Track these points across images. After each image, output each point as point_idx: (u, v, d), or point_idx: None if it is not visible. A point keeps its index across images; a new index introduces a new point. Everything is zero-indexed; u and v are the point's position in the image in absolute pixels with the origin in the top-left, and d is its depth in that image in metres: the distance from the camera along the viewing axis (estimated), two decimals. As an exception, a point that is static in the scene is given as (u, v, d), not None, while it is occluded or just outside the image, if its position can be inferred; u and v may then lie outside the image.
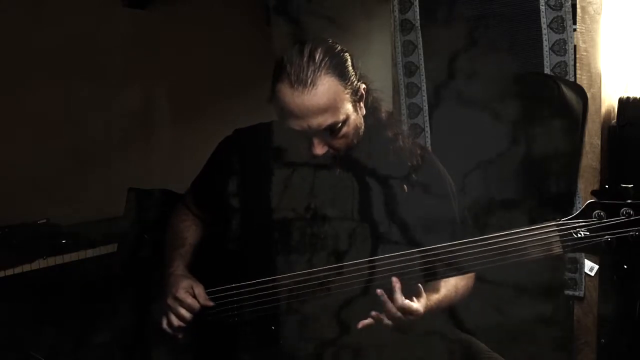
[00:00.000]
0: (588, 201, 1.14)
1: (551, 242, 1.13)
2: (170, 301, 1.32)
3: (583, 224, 1.12)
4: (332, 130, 1.25)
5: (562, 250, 1.13)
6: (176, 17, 2.67)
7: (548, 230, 1.14)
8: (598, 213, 1.11)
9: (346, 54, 1.29)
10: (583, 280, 1.96)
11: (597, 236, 1.11)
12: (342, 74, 1.25)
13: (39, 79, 2.22)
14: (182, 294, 1.32)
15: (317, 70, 1.21)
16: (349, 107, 1.26)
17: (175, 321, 1.32)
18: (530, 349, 1.89)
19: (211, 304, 1.32)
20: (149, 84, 2.54)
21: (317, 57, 1.22)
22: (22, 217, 2.09)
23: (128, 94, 2.44)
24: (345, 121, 1.26)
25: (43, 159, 2.21)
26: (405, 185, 1.35)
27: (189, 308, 1.31)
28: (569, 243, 1.13)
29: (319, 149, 1.26)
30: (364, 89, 1.32)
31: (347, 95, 1.26)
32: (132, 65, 2.48)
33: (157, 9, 2.61)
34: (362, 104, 1.32)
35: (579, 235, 1.12)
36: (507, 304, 1.77)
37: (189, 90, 2.64)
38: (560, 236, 1.13)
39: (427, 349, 1.33)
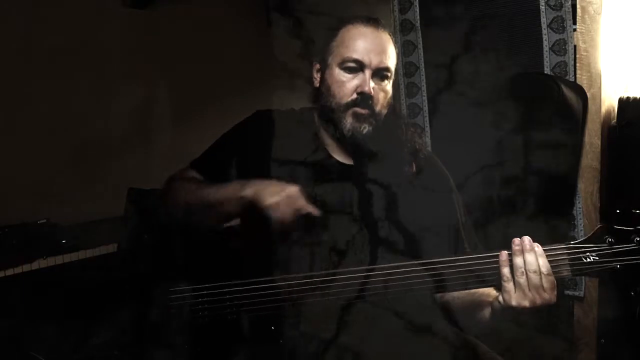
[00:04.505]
0: (599, 225, 1.13)
1: (560, 264, 1.12)
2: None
3: (593, 248, 1.11)
4: (383, 74, 1.37)
5: (570, 273, 1.13)
6: (176, 17, 2.66)
7: (558, 252, 1.13)
8: (608, 238, 1.10)
9: None
10: (583, 280, 1.96)
11: (606, 262, 1.10)
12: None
13: (39, 78, 2.22)
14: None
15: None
16: (394, 73, 1.41)
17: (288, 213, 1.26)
18: (530, 349, 1.89)
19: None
20: (149, 84, 2.54)
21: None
22: (22, 217, 2.09)
23: (128, 94, 2.44)
24: (391, 75, 1.39)
25: (43, 158, 2.21)
26: (412, 166, 1.41)
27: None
28: (578, 267, 1.12)
29: (367, 87, 1.35)
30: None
31: (396, 60, 1.41)
32: (132, 65, 2.48)
33: (157, 9, 2.61)
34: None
35: (589, 260, 1.11)
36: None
37: (189, 90, 2.64)
38: (570, 259, 1.12)
39: (432, 351, 1.33)
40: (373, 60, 1.36)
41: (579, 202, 1.94)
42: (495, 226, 1.83)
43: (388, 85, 1.40)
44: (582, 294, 1.97)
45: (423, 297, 1.36)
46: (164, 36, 2.60)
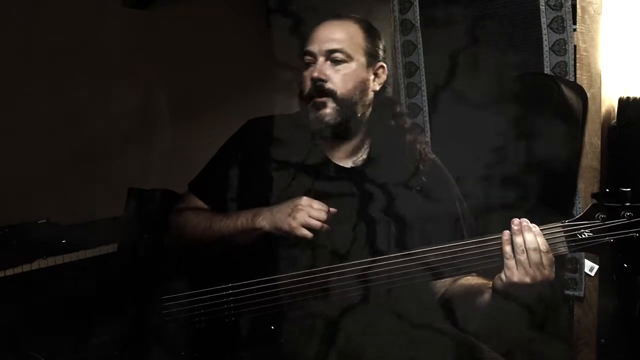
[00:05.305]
0: (591, 204, 1.19)
1: (557, 242, 1.18)
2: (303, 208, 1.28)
3: (587, 225, 1.17)
4: (334, 57, 1.36)
5: (567, 250, 1.18)
6: (176, 17, 2.66)
7: (554, 230, 1.19)
8: (600, 215, 1.17)
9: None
10: (583, 280, 1.96)
11: (600, 237, 1.16)
12: (368, 31, 1.42)
13: (39, 78, 2.22)
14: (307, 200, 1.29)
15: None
16: (360, 56, 1.38)
17: (314, 221, 1.28)
18: (530, 349, 1.89)
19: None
20: (149, 84, 2.54)
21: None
22: (22, 217, 2.09)
23: (128, 94, 2.44)
24: (349, 57, 1.36)
25: (43, 158, 2.21)
26: (416, 187, 1.39)
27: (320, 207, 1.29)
28: (574, 243, 1.18)
29: (317, 72, 1.35)
30: (382, 66, 1.43)
31: (364, 44, 1.39)
32: (132, 65, 2.48)
33: (157, 9, 2.61)
34: (376, 80, 1.42)
35: (584, 236, 1.17)
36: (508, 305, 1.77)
37: (189, 90, 2.64)
38: (566, 237, 1.18)
39: (430, 350, 1.33)
40: (322, 47, 1.37)
41: (579, 202, 1.94)
42: (495, 226, 1.82)
43: (349, 68, 1.37)
44: (582, 294, 1.97)
45: (424, 295, 1.37)
46: (164, 36, 2.60)
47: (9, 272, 1.94)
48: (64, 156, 2.26)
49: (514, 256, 1.17)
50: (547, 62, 1.94)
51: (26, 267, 1.98)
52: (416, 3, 2.22)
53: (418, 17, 2.22)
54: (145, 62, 2.51)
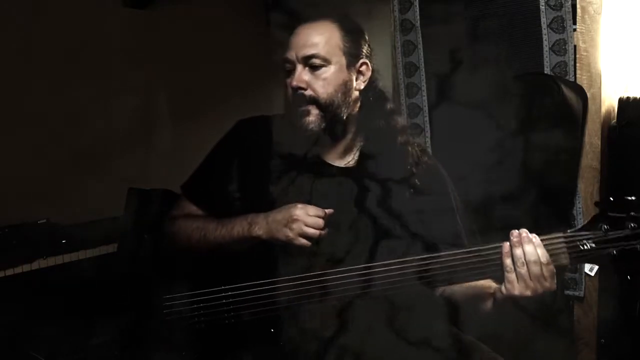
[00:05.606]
0: (594, 214, 1.16)
1: (558, 253, 1.15)
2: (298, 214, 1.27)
3: (589, 236, 1.14)
4: (312, 63, 1.34)
5: (569, 261, 1.15)
6: (176, 17, 2.66)
7: (556, 241, 1.15)
8: (603, 225, 1.13)
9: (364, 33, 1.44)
10: (583, 280, 1.96)
11: (603, 248, 1.13)
12: (347, 29, 1.38)
13: (39, 78, 2.22)
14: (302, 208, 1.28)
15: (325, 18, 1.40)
16: (339, 58, 1.36)
17: (311, 230, 1.27)
18: (530, 349, 1.89)
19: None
20: (149, 84, 2.54)
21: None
22: (22, 217, 2.09)
23: (128, 94, 2.44)
24: (327, 61, 1.34)
25: (43, 159, 2.21)
26: (410, 190, 1.38)
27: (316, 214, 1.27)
28: (576, 254, 1.14)
29: (295, 81, 1.34)
30: (365, 63, 1.40)
31: (342, 44, 1.36)
32: (131, 65, 2.48)
33: (157, 9, 2.61)
34: (360, 78, 1.40)
35: (586, 247, 1.13)
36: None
37: (189, 90, 2.64)
38: (568, 247, 1.15)
39: (429, 350, 1.33)
40: (298, 53, 1.35)
41: (579, 202, 1.94)
42: (495, 226, 1.83)
43: (328, 72, 1.35)
44: (582, 294, 1.97)
45: (424, 295, 1.36)
46: (164, 36, 2.60)
47: (9, 272, 1.94)
48: (64, 156, 2.26)
49: (514, 269, 1.14)
50: (547, 62, 1.94)
51: (26, 267, 1.98)
52: (416, 3, 2.21)
53: (418, 17, 2.22)
54: (145, 62, 2.51)
